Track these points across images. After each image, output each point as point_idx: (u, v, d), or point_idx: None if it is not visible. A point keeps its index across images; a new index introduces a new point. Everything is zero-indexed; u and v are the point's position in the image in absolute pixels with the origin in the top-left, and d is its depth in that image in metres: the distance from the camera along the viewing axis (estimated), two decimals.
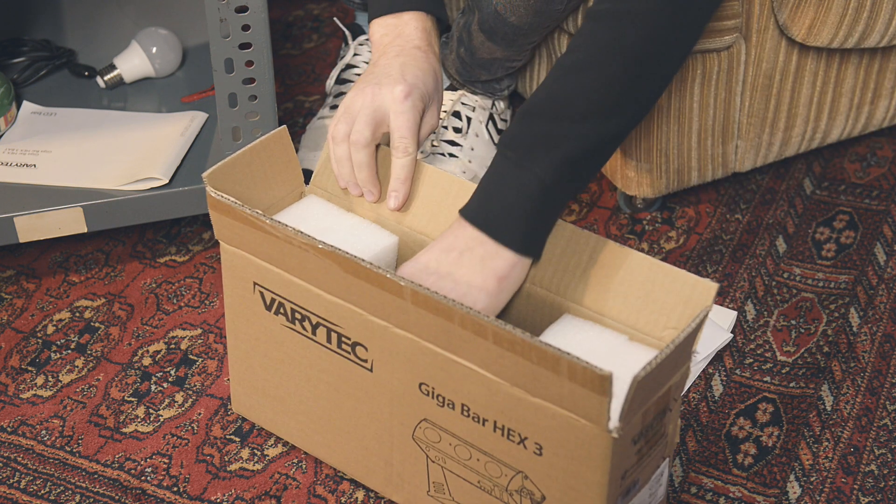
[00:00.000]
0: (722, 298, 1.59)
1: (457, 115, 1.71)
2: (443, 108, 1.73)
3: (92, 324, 1.59)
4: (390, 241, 1.35)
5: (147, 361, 1.54)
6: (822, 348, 1.52)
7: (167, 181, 1.58)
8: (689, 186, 1.69)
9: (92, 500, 1.39)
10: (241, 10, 1.48)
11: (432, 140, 1.71)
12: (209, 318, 1.59)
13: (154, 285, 1.64)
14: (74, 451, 1.44)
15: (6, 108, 1.68)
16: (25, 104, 1.73)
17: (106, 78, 1.76)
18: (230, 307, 1.37)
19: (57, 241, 1.71)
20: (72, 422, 1.47)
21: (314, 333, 1.29)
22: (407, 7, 1.42)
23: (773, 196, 1.74)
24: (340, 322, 1.26)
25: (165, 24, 1.82)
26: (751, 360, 1.51)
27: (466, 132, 1.71)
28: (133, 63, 1.76)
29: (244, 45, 1.50)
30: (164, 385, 1.51)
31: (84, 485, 1.41)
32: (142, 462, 1.42)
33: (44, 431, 1.47)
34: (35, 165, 1.62)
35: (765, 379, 1.49)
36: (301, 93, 1.94)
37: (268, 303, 1.32)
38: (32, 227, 1.56)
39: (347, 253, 1.20)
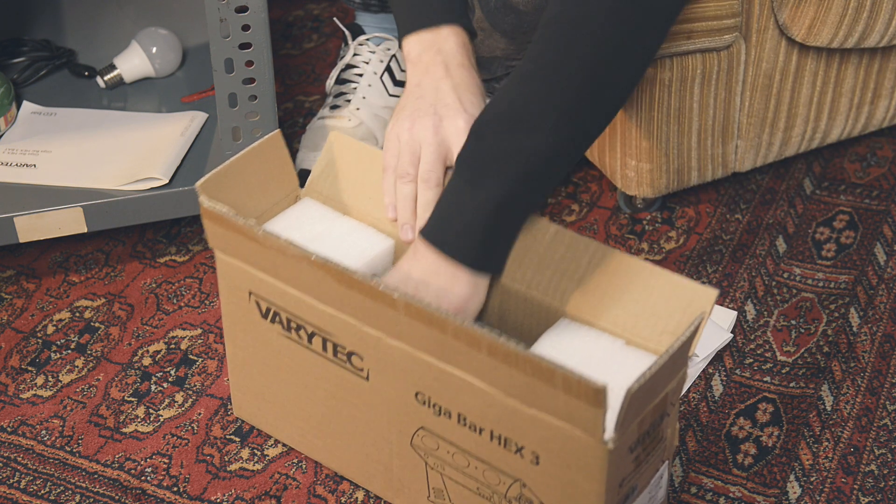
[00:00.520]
0: (722, 298, 1.59)
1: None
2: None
3: (92, 324, 1.59)
4: (386, 244, 1.35)
5: (147, 361, 1.54)
6: (822, 348, 1.52)
7: (167, 181, 1.58)
8: (689, 186, 1.69)
9: (92, 500, 1.39)
10: (241, 10, 1.48)
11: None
12: (209, 318, 1.59)
13: (154, 285, 1.64)
14: (74, 451, 1.44)
15: (6, 108, 1.68)
16: (25, 104, 1.73)
17: (106, 78, 1.76)
18: (227, 315, 1.37)
19: (57, 241, 1.71)
20: (72, 422, 1.47)
21: (310, 342, 1.29)
22: (443, 21, 1.38)
23: (773, 196, 1.74)
24: (335, 331, 1.26)
25: (165, 24, 1.82)
26: (751, 360, 1.51)
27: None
28: (133, 63, 1.76)
29: (244, 45, 1.50)
30: (164, 385, 1.51)
31: (84, 485, 1.41)
32: (142, 462, 1.42)
33: (44, 431, 1.47)
34: (35, 165, 1.62)
35: (765, 379, 1.49)
36: (301, 93, 1.94)
37: (263, 311, 1.32)
38: (32, 227, 1.56)
39: (340, 265, 1.20)
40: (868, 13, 1.57)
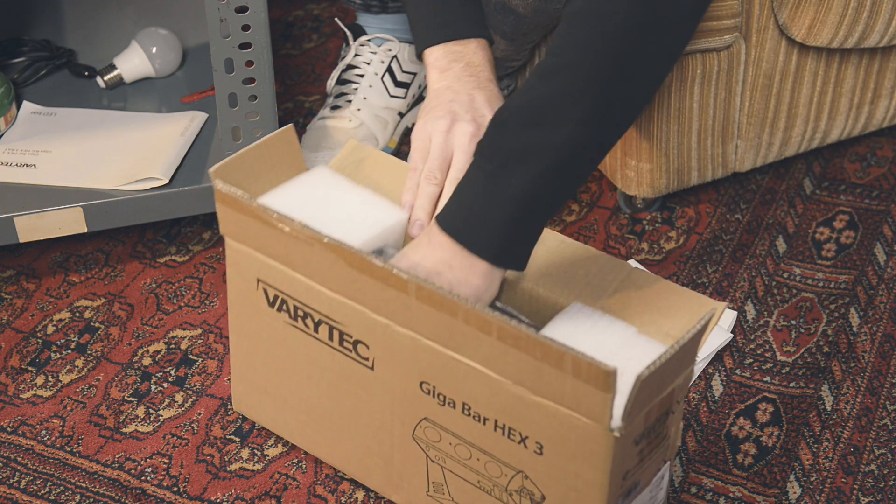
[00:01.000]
0: (722, 298, 1.59)
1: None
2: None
3: (92, 324, 1.59)
4: (399, 217, 1.33)
5: (147, 361, 1.54)
6: (822, 348, 1.52)
7: (167, 181, 1.58)
8: (689, 186, 1.69)
9: (92, 500, 1.39)
10: (241, 10, 1.48)
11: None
12: (209, 318, 1.59)
13: (154, 285, 1.64)
14: (74, 451, 1.44)
15: (6, 108, 1.68)
16: (25, 104, 1.73)
17: (106, 78, 1.76)
18: (233, 304, 1.37)
19: (57, 241, 1.71)
20: (72, 422, 1.47)
21: (316, 331, 1.29)
22: (472, 34, 1.38)
23: (773, 196, 1.74)
24: (343, 320, 1.26)
25: (165, 24, 1.82)
26: (751, 360, 1.51)
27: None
28: (133, 63, 1.76)
29: (244, 45, 1.50)
30: (164, 385, 1.51)
31: (84, 485, 1.41)
32: (142, 462, 1.42)
33: (44, 431, 1.47)
34: (35, 165, 1.62)
35: (765, 379, 1.49)
36: (301, 93, 1.94)
37: (271, 300, 1.32)
38: (32, 227, 1.56)
39: (353, 247, 1.20)
40: (868, 13, 1.57)
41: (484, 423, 1.20)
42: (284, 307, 1.31)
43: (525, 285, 1.31)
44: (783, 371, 1.50)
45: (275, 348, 1.35)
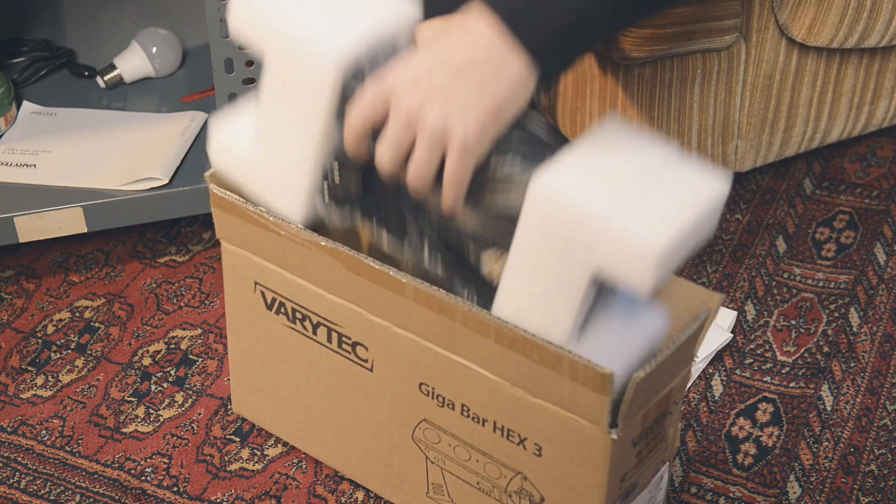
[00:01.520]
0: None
1: None
2: None
3: (92, 324, 1.59)
4: (413, 12, 1.19)
5: (147, 361, 1.54)
6: (822, 348, 1.52)
7: (167, 181, 1.58)
8: None
9: (92, 500, 1.39)
10: None
11: None
12: (209, 318, 1.59)
13: (154, 285, 1.64)
14: (74, 451, 1.44)
15: (6, 108, 1.68)
16: (25, 104, 1.73)
17: (106, 78, 1.76)
18: (231, 307, 1.37)
19: (57, 241, 1.71)
20: (72, 422, 1.47)
21: (314, 333, 1.29)
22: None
23: (773, 196, 1.74)
24: (341, 322, 1.26)
25: (165, 24, 1.82)
26: (751, 360, 1.51)
27: None
28: (133, 63, 1.76)
29: (244, 45, 1.50)
30: (164, 385, 1.51)
31: (84, 485, 1.41)
32: (142, 462, 1.42)
33: (44, 431, 1.47)
34: (35, 165, 1.62)
35: (765, 379, 1.49)
36: None
37: (268, 302, 1.32)
38: (32, 227, 1.56)
39: (350, 250, 1.20)
40: (868, 13, 1.57)
41: (483, 425, 1.20)
42: (283, 310, 1.31)
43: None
44: (783, 371, 1.50)
45: (273, 350, 1.35)
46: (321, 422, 1.36)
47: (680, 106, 1.60)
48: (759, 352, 1.52)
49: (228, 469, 1.41)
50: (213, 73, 1.52)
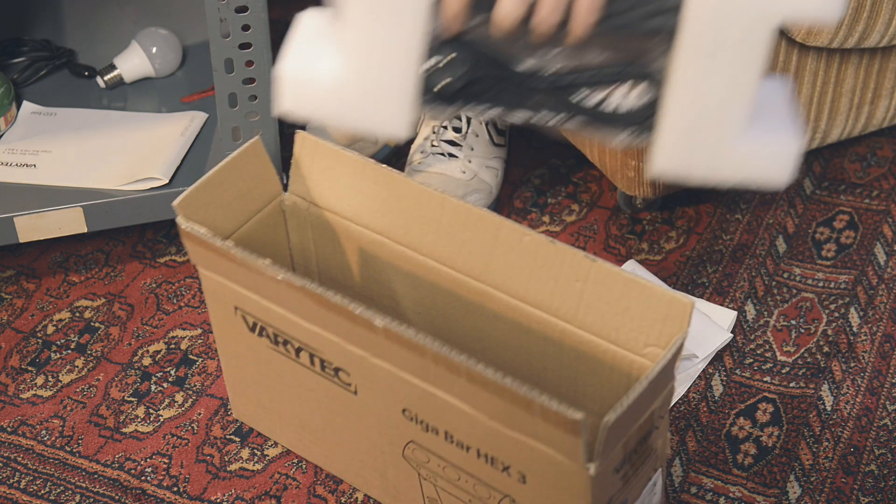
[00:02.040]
0: (722, 298, 1.59)
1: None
2: None
3: (92, 324, 1.59)
4: None
5: (147, 361, 1.54)
6: (822, 348, 1.52)
7: (167, 181, 1.58)
8: (689, 186, 1.69)
9: (92, 500, 1.39)
10: (241, 10, 1.48)
11: (432, 140, 1.71)
12: (209, 318, 1.59)
13: (154, 285, 1.64)
14: (74, 451, 1.44)
15: (6, 108, 1.68)
16: (25, 104, 1.73)
17: (106, 78, 1.76)
18: (217, 326, 1.37)
19: (57, 241, 1.71)
20: (72, 422, 1.47)
21: (297, 356, 1.28)
22: None
23: (773, 196, 1.74)
24: (321, 347, 1.25)
25: (165, 24, 1.82)
26: (751, 360, 1.51)
27: (466, 132, 1.71)
28: (133, 63, 1.76)
29: (244, 45, 1.50)
30: (164, 385, 1.51)
31: (84, 485, 1.41)
32: (142, 462, 1.42)
33: (44, 431, 1.47)
34: (35, 165, 1.62)
35: (765, 379, 1.49)
36: None
37: (250, 326, 1.31)
38: (32, 227, 1.56)
39: (318, 287, 1.18)
40: (868, 13, 1.57)
41: (467, 451, 1.19)
42: (264, 333, 1.30)
43: (498, 295, 1.31)
44: (783, 371, 1.50)
45: (262, 368, 1.34)
46: (316, 433, 1.36)
47: None
48: (759, 352, 1.52)
49: (228, 469, 1.41)
50: (213, 73, 1.52)
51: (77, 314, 1.61)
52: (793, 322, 1.56)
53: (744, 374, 1.50)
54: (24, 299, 1.63)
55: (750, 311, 1.57)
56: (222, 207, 1.32)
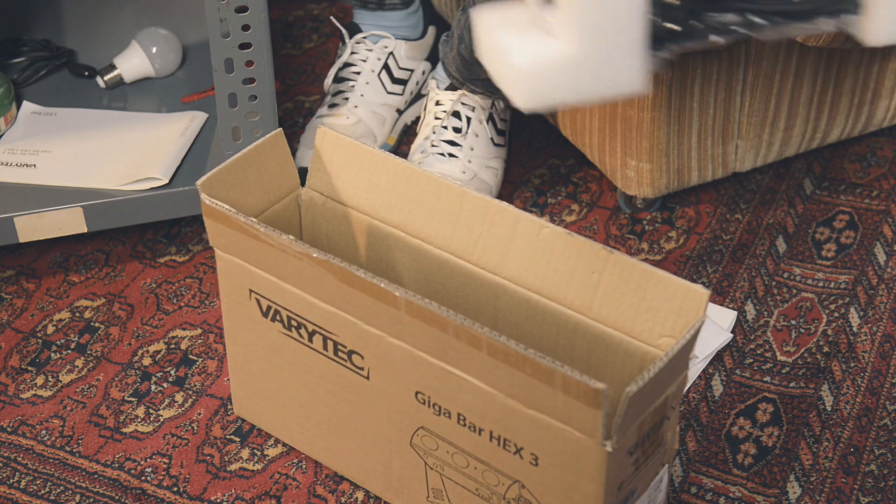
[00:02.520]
0: (722, 298, 1.59)
1: (456, 114, 1.71)
2: (442, 108, 1.73)
3: (92, 324, 1.59)
4: None
5: (147, 361, 1.54)
6: (822, 348, 1.52)
7: (167, 181, 1.58)
8: (689, 186, 1.69)
9: (92, 500, 1.39)
10: (241, 10, 1.48)
11: (432, 140, 1.71)
12: (209, 318, 1.59)
13: (154, 285, 1.64)
14: (74, 451, 1.44)
15: (6, 108, 1.68)
16: (25, 104, 1.73)
17: (106, 78, 1.76)
18: (227, 313, 1.37)
19: (57, 241, 1.71)
20: (72, 422, 1.47)
21: (310, 340, 1.29)
22: None
23: (773, 196, 1.74)
24: (336, 330, 1.26)
25: (165, 24, 1.82)
26: (751, 360, 1.51)
27: (466, 132, 1.71)
28: (133, 63, 1.76)
29: (244, 45, 1.50)
30: (164, 385, 1.51)
31: (84, 485, 1.41)
32: (142, 462, 1.42)
33: (44, 431, 1.47)
34: (35, 165, 1.62)
35: (765, 379, 1.49)
36: (301, 93, 1.94)
37: (264, 310, 1.32)
38: (32, 227, 1.56)
39: (342, 262, 1.20)
40: None
41: (479, 434, 1.20)
42: (278, 317, 1.31)
43: (512, 287, 1.31)
44: (783, 371, 1.50)
45: (271, 356, 1.35)
46: (321, 425, 1.36)
47: (680, 106, 1.60)
48: (759, 352, 1.52)
49: (228, 469, 1.41)
50: (213, 73, 1.52)
51: (77, 314, 1.61)
52: (793, 322, 1.56)
53: (744, 374, 1.50)
54: (24, 299, 1.63)
55: (750, 311, 1.57)
56: (242, 194, 1.33)
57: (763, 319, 1.56)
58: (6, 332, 1.59)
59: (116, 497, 1.39)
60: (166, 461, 1.42)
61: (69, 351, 1.56)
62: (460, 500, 1.27)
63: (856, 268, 1.63)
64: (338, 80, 1.80)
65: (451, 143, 1.70)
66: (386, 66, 1.80)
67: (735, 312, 1.56)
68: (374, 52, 1.80)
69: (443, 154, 1.69)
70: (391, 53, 1.81)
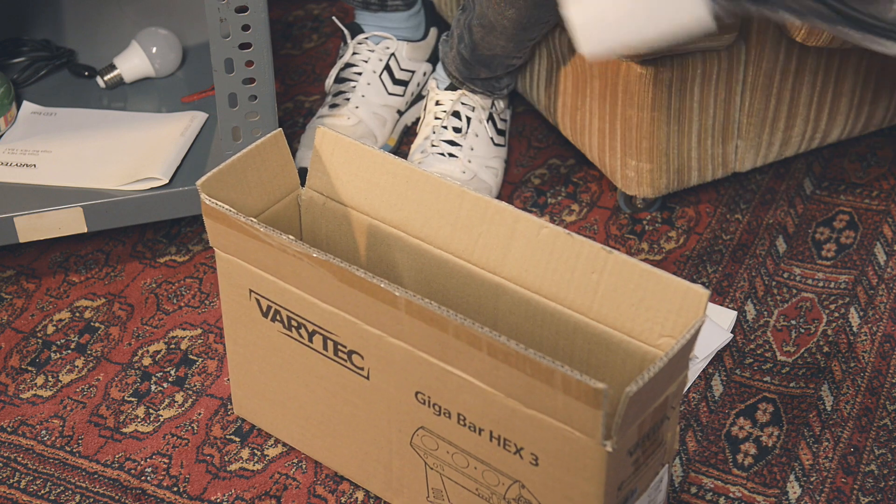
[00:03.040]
0: (722, 298, 1.59)
1: (456, 114, 1.71)
2: (442, 108, 1.73)
3: (92, 324, 1.59)
4: None
5: (147, 361, 1.54)
6: (822, 348, 1.52)
7: (167, 181, 1.58)
8: (689, 186, 1.69)
9: (92, 500, 1.39)
10: (241, 10, 1.48)
11: (432, 140, 1.71)
12: (209, 318, 1.59)
13: (154, 285, 1.64)
14: (74, 451, 1.44)
15: (6, 108, 1.68)
16: (25, 104, 1.73)
17: (106, 78, 1.76)
18: (227, 313, 1.37)
19: (57, 241, 1.71)
20: (72, 422, 1.47)
21: (310, 340, 1.29)
22: None
23: (773, 196, 1.74)
24: (336, 330, 1.26)
25: (165, 24, 1.82)
26: (751, 360, 1.51)
27: (466, 132, 1.71)
28: (133, 63, 1.76)
29: (244, 45, 1.50)
30: (164, 385, 1.51)
31: (84, 485, 1.41)
32: (142, 462, 1.42)
33: (44, 431, 1.47)
34: (35, 165, 1.62)
35: (765, 379, 1.49)
36: (301, 93, 1.94)
37: (264, 310, 1.32)
38: (32, 227, 1.56)
39: (342, 262, 1.20)
40: None
41: (479, 434, 1.20)
42: (278, 317, 1.31)
43: (511, 287, 1.31)
44: (783, 371, 1.50)
45: (271, 356, 1.35)
46: (321, 425, 1.36)
47: (680, 106, 1.60)
48: (759, 352, 1.52)
49: (228, 469, 1.41)
50: (213, 73, 1.52)
51: (77, 314, 1.61)
52: (793, 322, 1.56)
53: (744, 374, 1.50)
54: (24, 299, 1.63)
55: (750, 311, 1.57)
56: (242, 194, 1.33)
57: (763, 319, 1.56)
58: (6, 332, 1.59)
59: (116, 497, 1.39)
60: (166, 461, 1.42)
61: (69, 351, 1.56)
62: (460, 500, 1.27)
63: (856, 268, 1.63)
64: (339, 80, 1.80)
65: (451, 142, 1.70)
66: (387, 67, 1.80)
67: (735, 312, 1.56)
68: (376, 53, 1.80)
69: (443, 154, 1.69)
70: (393, 54, 1.81)
